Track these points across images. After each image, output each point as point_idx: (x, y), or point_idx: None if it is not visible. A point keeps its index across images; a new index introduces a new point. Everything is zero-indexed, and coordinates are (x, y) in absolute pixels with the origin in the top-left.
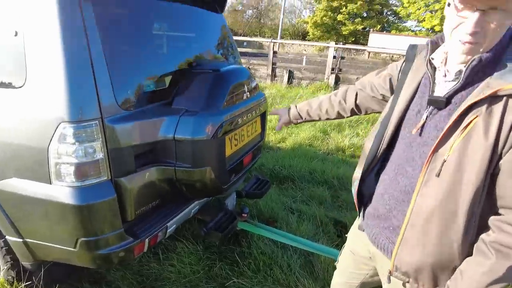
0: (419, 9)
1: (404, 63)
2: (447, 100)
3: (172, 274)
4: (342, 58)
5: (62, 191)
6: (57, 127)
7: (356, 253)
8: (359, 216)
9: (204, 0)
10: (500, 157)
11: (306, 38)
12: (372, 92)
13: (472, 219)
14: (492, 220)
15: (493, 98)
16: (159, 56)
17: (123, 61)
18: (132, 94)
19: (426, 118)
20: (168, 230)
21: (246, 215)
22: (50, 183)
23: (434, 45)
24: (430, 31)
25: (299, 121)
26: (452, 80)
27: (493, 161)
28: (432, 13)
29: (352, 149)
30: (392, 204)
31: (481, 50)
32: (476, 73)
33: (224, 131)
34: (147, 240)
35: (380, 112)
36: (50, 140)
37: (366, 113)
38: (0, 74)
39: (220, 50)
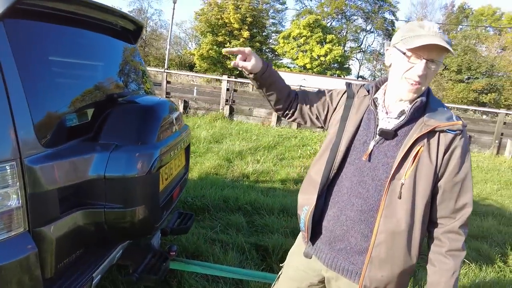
0: (292, 49)
1: (346, 99)
2: (394, 133)
3: None
4: (235, 90)
5: None
6: None
7: (300, 280)
8: (306, 243)
9: (119, 31)
10: (438, 179)
11: (193, 70)
12: (309, 109)
13: (423, 227)
14: (439, 233)
15: (430, 133)
16: (80, 87)
17: (43, 92)
18: (54, 129)
19: (373, 147)
20: (93, 282)
21: (174, 253)
22: None
23: (376, 88)
24: (303, 68)
25: (261, 76)
26: (395, 118)
27: (435, 181)
28: (303, 52)
29: (255, 174)
30: (349, 225)
31: (423, 89)
32: (416, 112)
33: (158, 166)
34: None
35: (296, 122)
36: None
37: (291, 115)
38: None
39: (138, 81)
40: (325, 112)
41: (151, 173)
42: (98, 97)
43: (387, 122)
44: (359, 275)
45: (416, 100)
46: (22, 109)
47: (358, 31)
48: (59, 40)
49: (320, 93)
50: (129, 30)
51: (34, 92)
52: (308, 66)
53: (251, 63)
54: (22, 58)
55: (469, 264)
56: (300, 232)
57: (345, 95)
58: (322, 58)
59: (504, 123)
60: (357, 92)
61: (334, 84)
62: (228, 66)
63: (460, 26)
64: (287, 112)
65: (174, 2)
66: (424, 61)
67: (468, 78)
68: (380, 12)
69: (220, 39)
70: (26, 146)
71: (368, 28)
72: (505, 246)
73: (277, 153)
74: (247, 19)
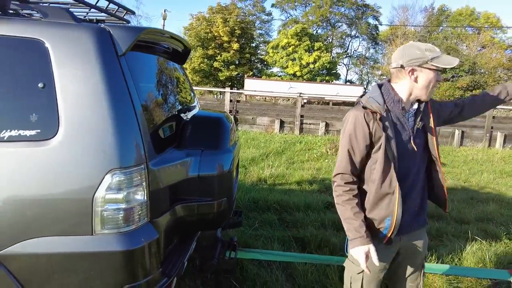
0: (282, 58)
1: (372, 119)
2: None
3: None
4: (238, 101)
5: (108, 239)
6: (105, 175)
7: (386, 265)
8: (387, 242)
9: (175, 54)
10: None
11: None
12: (362, 161)
13: None
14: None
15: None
16: (165, 104)
17: (151, 108)
18: (160, 139)
19: (413, 139)
20: (184, 267)
21: (236, 243)
22: (92, 234)
23: (392, 101)
24: (293, 76)
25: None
26: (413, 115)
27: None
28: (293, 61)
29: (272, 178)
30: (417, 196)
31: None
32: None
33: (233, 165)
34: (175, 278)
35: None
36: (96, 189)
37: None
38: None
39: (192, 97)
40: (370, 142)
41: (230, 171)
42: (175, 112)
43: (412, 119)
44: (424, 218)
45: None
46: (143, 122)
47: (344, 37)
48: (149, 67)
49: (363, 140)
50: (180, 52)
51: (146, 108)
52: (298, 73)
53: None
54: (137, 84)
55: (480, 241)
56: (365, 239)
57: (368, 118)
58: (312, 66)
59: (493, 117)
60: (375, 107)
61: (324, 89)
62: (220, 78)
63: (441, 27)
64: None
65: (164, 19)
66: (438, 72)
67: (453, 77)
68: (363, 17)
69: (210, 52)
70: (149, 153)
71: (353, 33)
72: (508, 226)
73: (286, 158)
74: (235, 31)
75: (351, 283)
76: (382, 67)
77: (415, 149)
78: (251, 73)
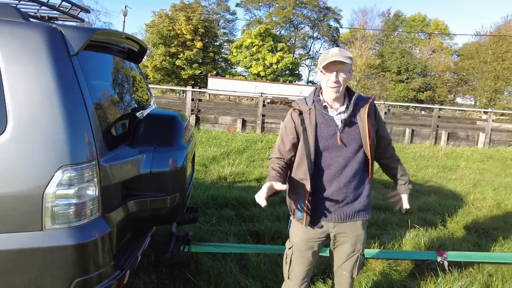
0: (246, 58)
1: (298, 115)
2: (350, 120)
3: None
4: (200, 100)
5: (59, 233)
6: (55, 172)
7: (311, 246)
8: (307, 223)
9: (130, 53)
10: (377, 129)
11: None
12: (290, 150)
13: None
14: (383, 152)
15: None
16: (118, 102)
17: (103, 106)
18: (111, 136)
19: (340, 134)
20: (137, 261)
21: (191, 238)
22: (42, 229)
23: (313, 100)
24: (257, 76)
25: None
26: (343, 112)
27: (376, 132)
28: (256, 61)
29: (232, 176)
30: (347, 188)
31: (340, 89)
32: (356, 104)
33: (186, 161)
34: (128, 271)
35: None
36: (47, 186)
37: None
38: None
39: (148, 96)
40: (297, 135)
41: (183, 167)
42: (129, 110)
43: (340, 115)
44: (360, 211)
45: (353, 96)
46: (95, 120)
47: (306, 39)
48: (103, 66)
49: (290, 133)
50: (136, 51)
51: (99, 107)
52: (262, 73)
53: (281, 188)
54: (90, 83)
55: (418, 229)
56: (294, 220)
57: (294, 115)
58: (275, 66)
59: (439, 116)
60: (300, 107)
61: (288, 90)
62: (183, 77)
63: (397, 32)
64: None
65: (124, 15)
66: (334, 73)
67: (407, 78)
68: (325, 20)
69: (173, 50)
70: (100, 150)
71: (315, 35)
72: (444, 214)
73: (247, 156)
74: (199, 29)
75: (285, 258)
76: None
77: (341, 143)
78: (215, 72)
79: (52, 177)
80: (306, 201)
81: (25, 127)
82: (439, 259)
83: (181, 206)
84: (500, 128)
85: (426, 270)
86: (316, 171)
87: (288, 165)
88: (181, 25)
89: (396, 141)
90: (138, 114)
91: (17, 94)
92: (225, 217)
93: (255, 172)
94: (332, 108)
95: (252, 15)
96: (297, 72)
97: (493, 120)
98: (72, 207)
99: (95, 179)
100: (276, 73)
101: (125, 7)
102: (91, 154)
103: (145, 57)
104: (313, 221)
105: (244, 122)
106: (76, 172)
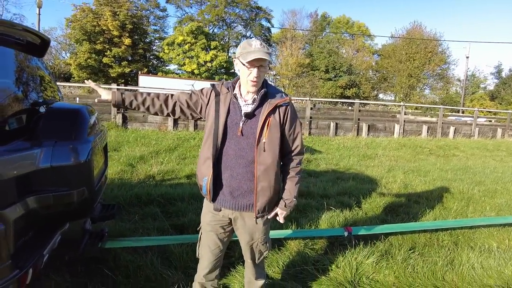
0: (178, 55)
1: (214, 96)
2: (253, 113)
3: None
4: None
5: None
6: None
7: (216, 229)
8: (211, 202)
9: (30, 46)
10: (282, 134)
11: (70, 80)
12: (188, 108)
13: (279, 162)
14: (286, 161)
15: (273, 108)
16: (13, 97)
17: None
18: (2, 131)
19: (242, 125)
20: (44, 260)
21: (106, 234)
22: None
23: (233, 86)
24: (191, 74)
25: (120, 106)
26: (250, 104)
27: (281, 136)
28: (190, 59)
29: (161, 174)
30: (240, 177)
31: (259, 84)
32: (263, 99)
33: (92, 155)
34: (30, 270)
35: (182, 117)
36: None
37: (174, 116)
38: None
39: (52, 90)
40: (200, 107)
41: (87, 161)
42: (26, 104)
43: (247, 107)
44: (253, 205)
45: (260, 91)
46: None
47: (240, 38)
48: None
49: (194, 95)
50: (37, 45)
51: None
52: (196, 71)
53: (107, 98)
54: None
55: (334, 210)
56: (204, 198)
57: (213, 93)
58: (209, 64)
59: (359, 110)
60: (221, 89)
61: None
62: (112, 75)
63: (325, 32)
64: (172, 115)
65: (39, 7)
66: (256, 68)
67: (335, 76)
68: (257, 19)
69: (98, 47)
70: None
71: (248, 34)
72: (359, 197)
73: (178, 154)
74: (127, 25)
75: (199, 239)
76: (275, 67)
77: (240, 134)
78: (146, 70)
79: None
80: (209, 179)
81: None
82: (345, 234)
83: (90, 200)
84: (411, 120)
85: (338, 246)
86: (219, 154)
87: (166, 106)
88: (106, 20)
89: (323, 134)
90: (39, 109)
91: None
92: (150, 214)
93: (185, 169)
94: (241, 98)
95: (184, 12)
96: (232, 71)
97: (405, 113)
98: None
99: None
100: (211, 71)
101: None
102: None
103: (48, 50)
104: (215, 199)
105: (176, 120)
106: None
